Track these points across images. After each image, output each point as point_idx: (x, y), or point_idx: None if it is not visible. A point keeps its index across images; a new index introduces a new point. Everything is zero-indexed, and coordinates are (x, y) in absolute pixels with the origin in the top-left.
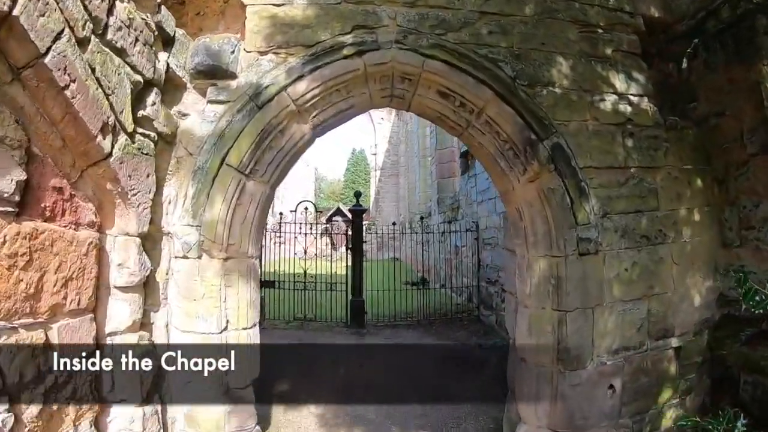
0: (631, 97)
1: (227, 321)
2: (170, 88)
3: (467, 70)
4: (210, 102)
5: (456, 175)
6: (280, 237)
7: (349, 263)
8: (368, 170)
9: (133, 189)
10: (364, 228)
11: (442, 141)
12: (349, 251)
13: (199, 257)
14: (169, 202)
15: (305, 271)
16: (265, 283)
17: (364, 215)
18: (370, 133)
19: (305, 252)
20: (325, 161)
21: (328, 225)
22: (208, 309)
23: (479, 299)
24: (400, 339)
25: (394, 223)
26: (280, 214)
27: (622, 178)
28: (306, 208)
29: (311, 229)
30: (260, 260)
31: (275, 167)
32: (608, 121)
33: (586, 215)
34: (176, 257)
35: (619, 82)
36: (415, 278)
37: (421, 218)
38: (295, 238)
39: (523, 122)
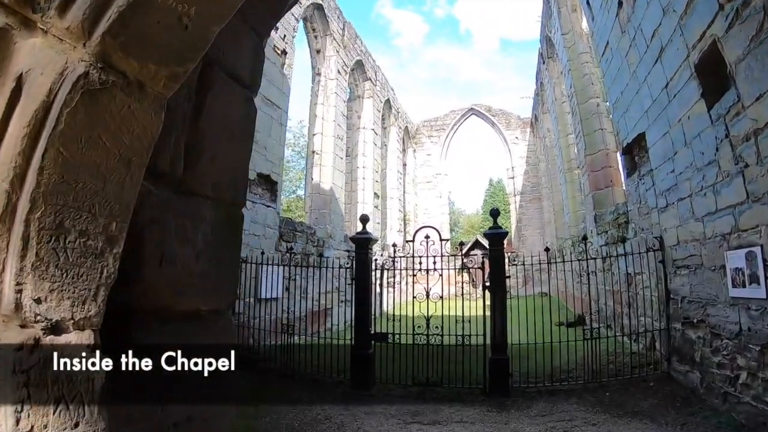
0: None
1: None
2: None
3: None
4: None
5: (616, 183)
6: (395, 275)
7: (487, 304)
8: (507, 200)
9: None
10: (506, 258)
11: (592, 144)
12: (486, 290)
13: None
14: None
15: (428, 320)
16: (377, 336)
17: (504, 242)
18: (505, 156)
19: (427, 295)
20: (463, 196)
21: (466, 260)
22: None
23: (669, 348)
24: (561, 417)
25: (547, 249)
26: (393, 245)
27: None
28: (427, 236)
29: (435, 263)
30: (369, 302)
31: None
32: None
33: None
34: None
35: None
36: (570, 317)
37: (584, 238)
38: (414, 275)
39: None
